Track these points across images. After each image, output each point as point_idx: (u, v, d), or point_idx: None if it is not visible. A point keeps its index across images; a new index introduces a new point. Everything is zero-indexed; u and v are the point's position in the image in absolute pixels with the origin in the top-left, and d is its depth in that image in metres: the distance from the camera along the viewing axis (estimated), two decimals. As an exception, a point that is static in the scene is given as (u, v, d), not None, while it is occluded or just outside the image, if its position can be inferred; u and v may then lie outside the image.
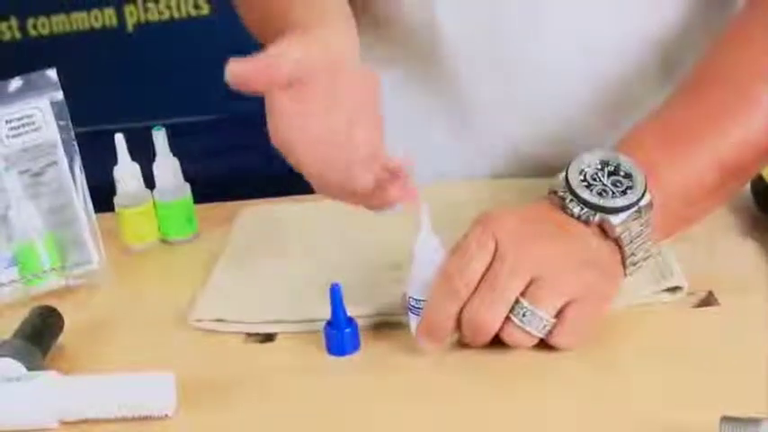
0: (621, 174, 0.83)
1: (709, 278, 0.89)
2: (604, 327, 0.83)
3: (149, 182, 1.11)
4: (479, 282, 0.78)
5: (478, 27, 1.08)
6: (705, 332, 0.83)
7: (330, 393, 0.80)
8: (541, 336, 0.79)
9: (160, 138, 1.08)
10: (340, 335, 0.84)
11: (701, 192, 0.87)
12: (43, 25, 2.73)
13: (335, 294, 0.83)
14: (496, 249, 0.79)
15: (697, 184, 0.86)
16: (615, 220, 0.81)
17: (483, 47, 1.08)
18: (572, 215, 0.82)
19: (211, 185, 1.18)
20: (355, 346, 0.85)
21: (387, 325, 0.88)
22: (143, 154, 1.10)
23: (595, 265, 0.81)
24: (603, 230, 0.82)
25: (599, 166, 0.83)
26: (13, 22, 2.74)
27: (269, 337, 0.89)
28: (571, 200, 0.82)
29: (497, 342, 0.80)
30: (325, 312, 0.84)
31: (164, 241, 1.11)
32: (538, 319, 0.78)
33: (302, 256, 1.00)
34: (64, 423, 0.79)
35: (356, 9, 0.97)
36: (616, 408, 0.74)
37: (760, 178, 0.98)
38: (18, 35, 2.75)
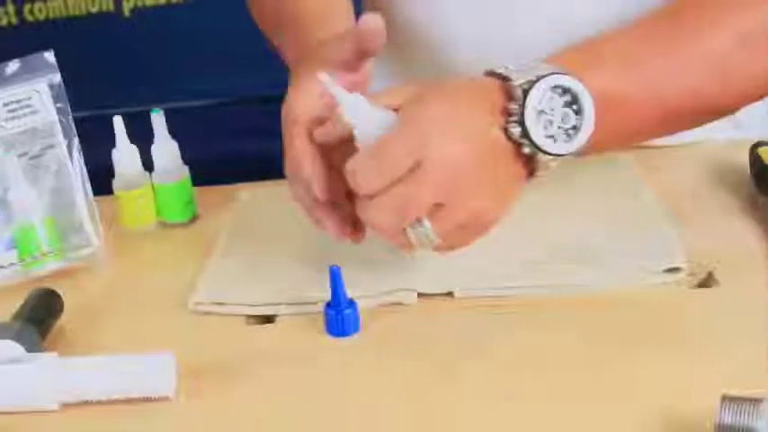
0: (574, 108, 0.79)
1: (708, 259, 0.88)
2: (603, 307, 0.83)
3: (148, 165, 1.11)
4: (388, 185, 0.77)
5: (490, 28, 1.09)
6: (705, 313, 0.83)
7: (331, 374, 0.80)
8: (422, 249, 0.80)
9: (158, 120, 1.08)
10: (340, 316, 0.84)
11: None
12: (40, 10, 2.73)
13: (335, 276, 0.83)
14: (417, 164, 0.76)
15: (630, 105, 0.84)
16: (545, 158, 0.79)
17: (469, 32, 1.09)
18: (509, 135, 0.78)
19: (210, 168, 1.18)
20: (355, 327, 0.85)
21: (387, 305, 0.88)
22: (142, 137, 1.10)
23: (502, 194, 0.80)
24: (526, 155, 0.79)
25: (558, 93, 0.79)
26: (10, 7, 2.73)
27: (269, 319, 0.89)
28: (516, 125, 0.78)
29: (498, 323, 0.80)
30: (325, 294, 0.85)
31: (163, 224, 1.11)
32: (428, 241, 0.78)
33: (301, 237, 1.00)
34: (64, 405, 0.79)
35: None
36: (615, 389, 0.73)
37: (759, 160, 0.98)
38: (15, 20, 2.74)
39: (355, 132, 0.79)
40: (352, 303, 0.84)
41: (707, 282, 0.87)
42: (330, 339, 0.84)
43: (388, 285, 0.89)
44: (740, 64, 0.88)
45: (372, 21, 0.80)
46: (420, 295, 0.88)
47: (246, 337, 0.88)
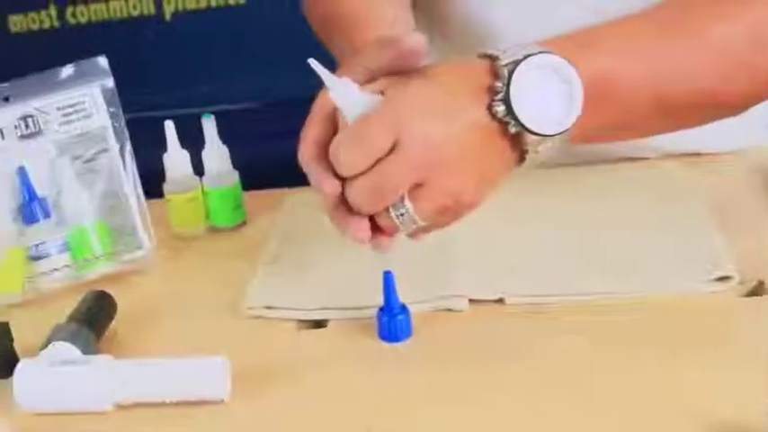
0: (562, 89, 0.78)
1: (759, 267, 0.88)
2: (652, 314, 0.83)
3: (198, 169, 1.12)
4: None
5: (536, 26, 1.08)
6: (755, 321, 0.83)
7: (383, 380, 0.81)
8: (405, 233, 0.80)
9: (209, 125, 1.09)
10: (393, 321, 0.84)
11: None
12: (82, 13, 2.74)
13: (389, 281, 0.84)
14: (396, 144, 0.75)
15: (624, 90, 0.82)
16: (533, 138, 0.77)
17: (510, 25, 1.08)
18: (493, 114, 0.77)
19: (260, 173, 1.19)
20: (408, 333, 0.85)
21: (440, 311, 0.88)
22: (190, 141, 1.11)
23: (485, 175, 0.79)
24: (512, 135, 0.78)
25: (546, 73, 0.78)
26: (52, 10, 2.75)
27: (320, 324, 0.90)
28: (501, 103, 0.77)
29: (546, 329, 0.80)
30: (377, 299, 0.85)
31: (212, 228, 1.12)
32: (411, 222, 0.78)
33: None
34: (118, 407, 0.80)
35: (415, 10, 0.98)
36: (663, 397, 0.73)
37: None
38: (56, 23, 2.76)
39: (343, 115, 0.78)
40: (404, 309, 0.85)
41: (757, 290, 0.87)
42: (382, 345, 0.85)
43: (440, 291, 0.89)
44: (746, 61, 0.86)
45: (415, 40, 0.80)
46: (472, 301, 0.88)
47: (298, 341, 0.89)
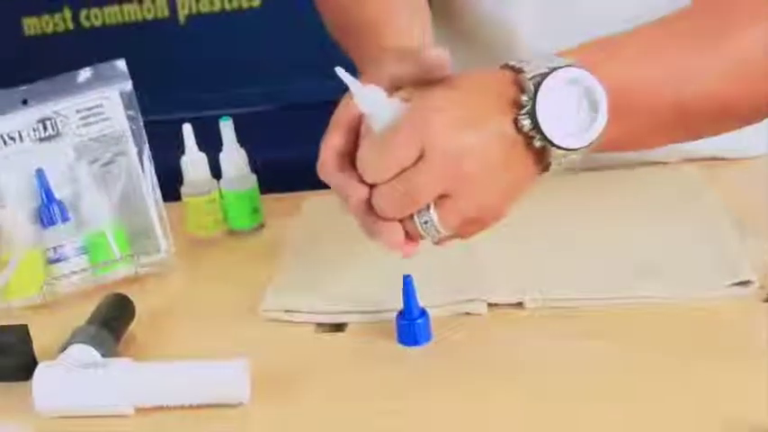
0: (587, 102, 0.78)
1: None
2: (673, 322, 0.83)
3: (215, 171, 1.12)
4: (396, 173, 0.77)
5: (553, 24, 1.08)
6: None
7: (402, 384, 0.80)
8: (431, 242, 0.80)
9: (227, 128, 1.09)
10: (413, 325, 0.84)
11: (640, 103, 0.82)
12: (96, 16, 2.75)
13: (408, 285, 0.84)
14: (423, 154, 0.76)
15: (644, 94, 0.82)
16: (557, 152, 0.78)
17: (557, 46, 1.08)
18: (519, 128, 0.77)
19: (277, 176, 1.19)
20: (427, 337, 0.85)
21: (459, 315, 0.88)
22: (210, 144, 1.11)
23: (509, 188, 0.79)
24: (536, 149, 0.78)
25: (571, 86, 0.78)
26: (67, 13, 2.76)
27: (339, 327, 0.90)
28: (527, 117, 0.77)
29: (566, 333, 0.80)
30: (396, 302, 0.85)
31: (230, 231, 1.12)
32: (435, 231, 0.78)
33: (369, 245, 1.00)
34: (138, 410, 0.80)
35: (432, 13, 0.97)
36: (681, 401, 0.73)
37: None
38: (71, 26, 2.77)
39: (370, 122, 0.79)
40: (424, 313, 0.85)
41: (778, 295, 0.86)
42: (401, 348, 0.85)
43: (460, 294, 0.89)
44: (765, 68, 0.85)
45: (439, 56, 0.80)
46: (490, 305, 0.88)
47: (317, 345, 0.88)
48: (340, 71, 0.78)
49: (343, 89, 0.80)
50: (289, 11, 2.50)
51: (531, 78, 0.77)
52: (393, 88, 0.80)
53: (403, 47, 0.91)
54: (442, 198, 0.77)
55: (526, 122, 0.76)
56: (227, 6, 2.70)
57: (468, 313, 0.88)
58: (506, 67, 0.80)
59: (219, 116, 1.10)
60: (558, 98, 0.76)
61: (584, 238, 0.97)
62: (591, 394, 0.75)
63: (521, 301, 0.88)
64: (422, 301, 0.85)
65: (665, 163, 1.13)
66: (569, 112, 0.77)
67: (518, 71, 0.78)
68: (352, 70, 0.80)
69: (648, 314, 0.85)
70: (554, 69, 0.77)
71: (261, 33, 2.62)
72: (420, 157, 0.75)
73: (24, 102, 1.02)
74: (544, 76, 0.76)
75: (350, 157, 0.81)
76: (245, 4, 2.68)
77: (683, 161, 1.13)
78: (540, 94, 0.76)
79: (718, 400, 0.72)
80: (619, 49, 0.83)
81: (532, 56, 0.79)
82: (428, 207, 0.77)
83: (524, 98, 0.76)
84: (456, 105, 0.77)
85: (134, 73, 1.06)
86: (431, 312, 0.85)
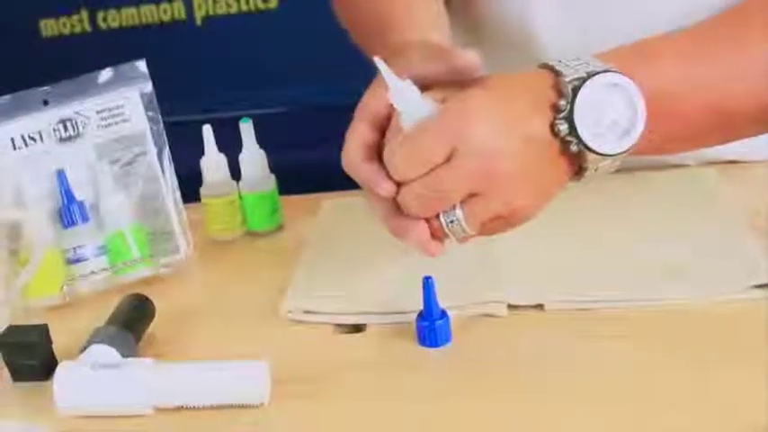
0: (625, 107, 0.77)
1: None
2: (692, 324, 0.83)
3: (235, 172, 1.12)
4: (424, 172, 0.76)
5: (574, 25, 1.08)
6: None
7: (421, 386, 0.80)
8: (456, 241, 0.80)
9: (247, 129, 1.09)
10: (433, 327, 0.84)
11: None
12: (113, 18, 2.76)
13: (428, 286, 0.83)
14: (453, 153, 0.75)
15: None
16: (594, 157, 0.78)
17: (577, 45, 1.08)
18: (555, 132, 0.77)
19: (296, 177, 1.19)
20: (447, 338, 0.85)
21: (479, 316, 0.88)
22: (229, 145, 1.11)
23: (541, 190, 0.79)
24: (572, 153, 0.78)
25: (609, 91, 0.77)
26: (84, 15, 2.76)
27: (358, 329, 0.90)
28: (564, 121, 0.77)
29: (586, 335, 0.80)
30: (416, 304, 0.85)
31: (249, 233, 1.12)
32: (461, 231, 0.78)
33: (389, 246, 1.00)
34: (158, 409, 0.80)
35: (450, 10, 0.97)
36: (701, 403, 0.73)
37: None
38: (88, 28, 2.78)
39: (401, 119, 0.78)
40: (444, 314, 0.85)
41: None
42: (421, 350, 0.85)
43: (479, 296, 0.89)
44: None
45: (470, 58, 0.80)
46: (510, 307, 0.88)
47: (336, 346, 0.88)
48: (379, 63, 0.78)
49: (361, 91, 0.80)
50: (305, 12, 2.50)
51: (569, 82, 0.76)
52: (422, 86, 0.79)
53: (427, 42, 0.90)
54: (469, 197, 0.77)
55: (563, 127, 0.76)
56: (244, 8, 2.71)
57: (488, 315, 0.88)
58: (545, 66, 0.80)
59: (239, 117, 1.10)
60: (597, 104, 0.76)
61: (602, 241, 0.97)
62: (614, 395, 0.75)
63: (540, 303, 0.88)
64: (442, 302, 0.85)
65: (684, 166, 1.13)
66: (608, 118, 0.77)
67: (557, 73, 0.78)
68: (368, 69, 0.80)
69: (668, 317, 0.85)
70: (593, 74, 0.77)
71: (277, 35, 2.62)
72: (450, 157, 0.75)
73: (45, 102, 1.02)
74: (583, 80, 0.76)
75: (376, 149, 0.81)
76: (261, 6, 2.69)
77: (702, 164, 1.13)
78: (578, 99, 0.76)
79: (739, 401, 0.72)
80: (657, 54, 0.82)
81: (569, 58, 0.79)
82: (454, 206, 0.77)
83: (562, 102, 0.76)
84: (490, 107, 0.77)
85: (151, 74, 1.07)
86: (450, 314, 0.85)
